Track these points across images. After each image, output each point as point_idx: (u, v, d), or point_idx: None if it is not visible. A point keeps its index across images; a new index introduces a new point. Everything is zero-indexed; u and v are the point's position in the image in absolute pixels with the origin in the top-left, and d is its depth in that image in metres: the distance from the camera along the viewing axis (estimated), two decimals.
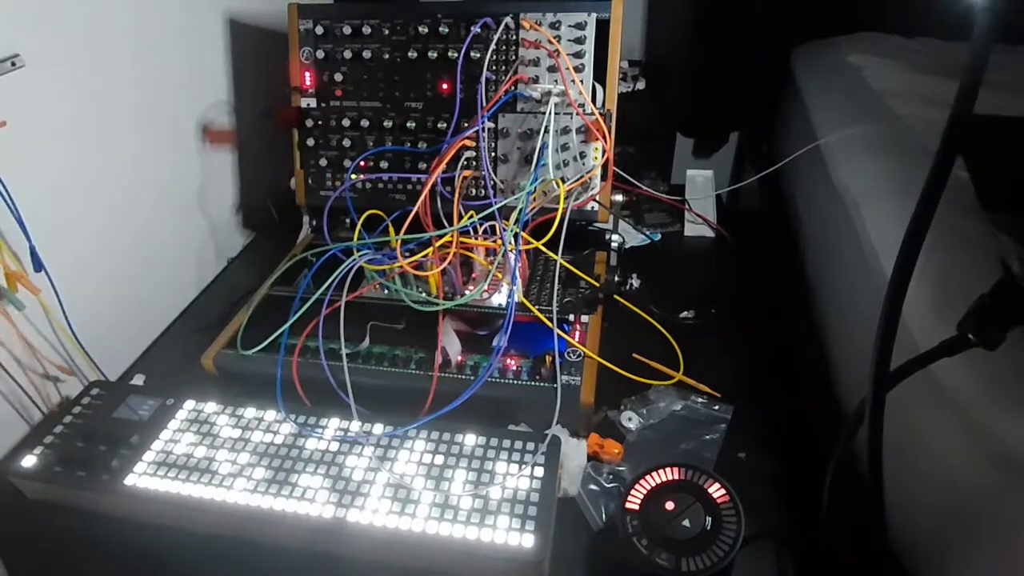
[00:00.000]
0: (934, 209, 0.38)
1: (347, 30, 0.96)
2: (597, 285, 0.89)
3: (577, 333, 0.84)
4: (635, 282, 0.95)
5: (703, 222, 1.20)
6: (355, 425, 0.73)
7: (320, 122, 1.01)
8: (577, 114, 0.91)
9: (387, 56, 0.96)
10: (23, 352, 0.79)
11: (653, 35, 1.54)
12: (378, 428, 0.72)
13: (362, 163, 1.00)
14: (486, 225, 0.85)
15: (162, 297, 1.04)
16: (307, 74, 1.00)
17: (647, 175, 1.28)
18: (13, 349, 0.77)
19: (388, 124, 0.98)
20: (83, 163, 0.86)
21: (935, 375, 0.56)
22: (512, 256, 0.82)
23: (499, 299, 0.85)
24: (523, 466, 0.68)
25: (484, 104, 0.91)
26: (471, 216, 0.83)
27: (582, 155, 0.93)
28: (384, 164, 0.99)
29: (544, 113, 0.89)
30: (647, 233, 1.16)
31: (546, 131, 0.89)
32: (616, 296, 0.92)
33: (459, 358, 0.82)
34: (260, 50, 1.15)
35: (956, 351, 0.44)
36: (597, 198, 0.95)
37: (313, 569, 0.66)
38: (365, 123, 0.99)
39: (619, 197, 0.99)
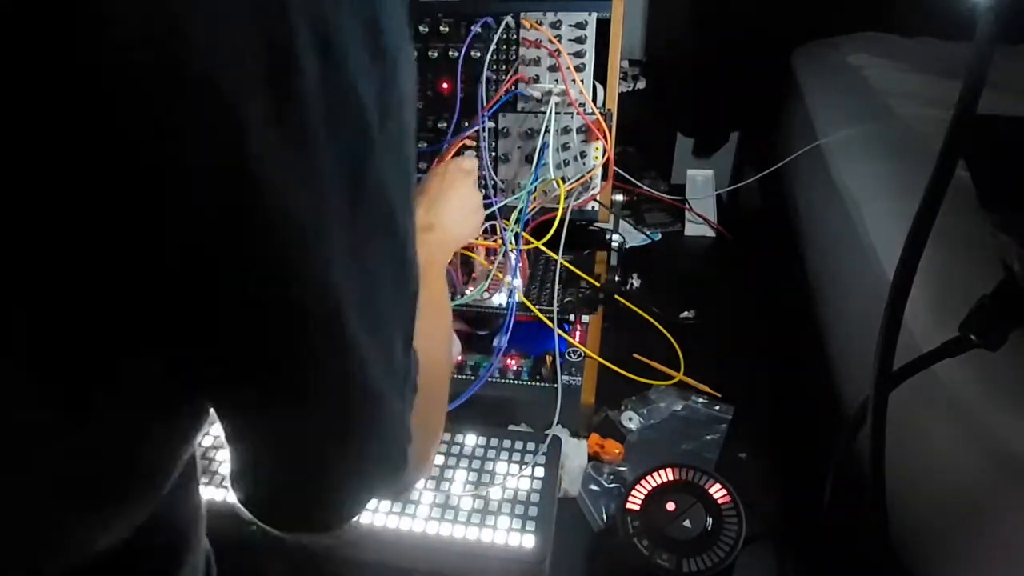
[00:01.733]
0: (937, 210, 0.38)
1: None
2: (597, 285, 0.89)
3: (577, 333, 0.84)
4: (635, 282, 0.95)
5: (703, 222, 1.20)
6: None
7: None
8: (577, 114, 0.91)
9: None
10: None
11: (653, 35, 1.54)
12: None
13: None
14: (486, 225, 0.85)
15: None
16: None
17: (647, 175, 1.27)
18: None
19: None
20: None
21: (937, 376, 0.56)
22: (513, 256, 0.82)
23: (499, 299, 0.85)
24: (523, 466, 0.68)
25: (485, 103, 0.91)
26: None
27: (582, 155, 0.93)
28: None
29: (544, 113, 0.89)
30: (647, 233, 1.16)
31: (546, 131, 0.89)
32: (616, 296, 0.92)
33: (459, 358, 0.82)
34: None
35: (958, 352, 0.44)
36: (597, 198, 0.95)
37: (312, 570, 0.66)
38: None
39: (619, 197, 0.99)
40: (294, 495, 0.34)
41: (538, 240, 0.83)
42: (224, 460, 0.70)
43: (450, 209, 0.68)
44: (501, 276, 0.86)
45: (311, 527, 0.36)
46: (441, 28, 0.93)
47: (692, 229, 1.20)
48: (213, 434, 0.73)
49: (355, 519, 0.36)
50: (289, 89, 0.24)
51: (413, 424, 0.36)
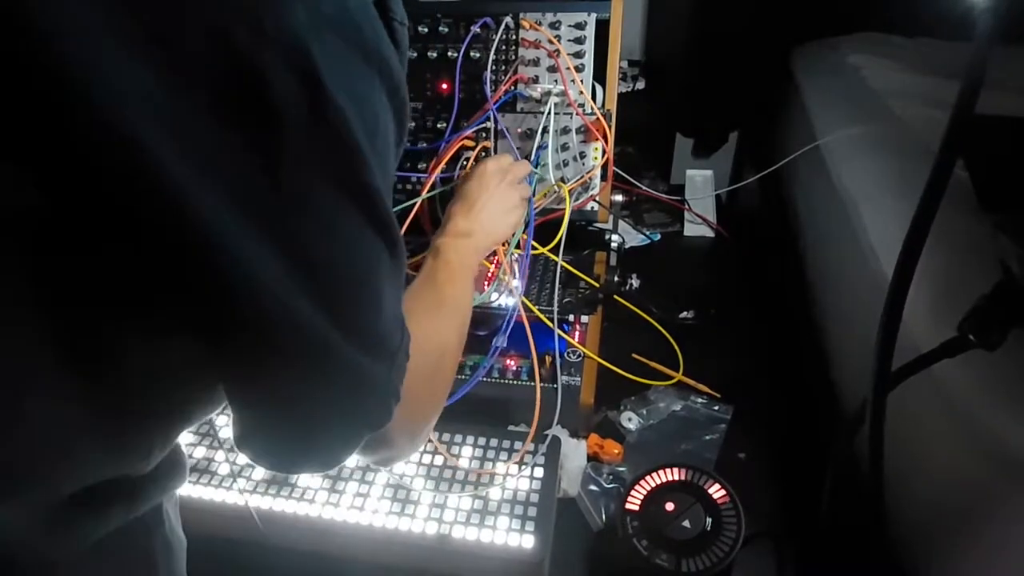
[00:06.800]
0: (935, 210, 0.38)
1: None
2: (597, 285, 0.89)
3: (577, 333, 0.84)
4: (635, 282, 0.95)
5: (703, 222, 1.20)
6: None
7: None
8: (577, 114, 0.91)
9: None
10: None
11: (653, 35, 1.54)
12: None
13: None
14: None
15: None
16: None
17: (647, 175, 1.28)
18: None
19: None
20: None
21: (935, 376, 0.56)
22: (515, 259, 0.82)
23: (499, 299, 0.85)
24: (523, 467, 0.68)
25: (490, 98, 0.90)
26: None
27: (582, 155, 0.93)
28: None
29: (544, 113, 0.89)
30: (647, 233, 1.16)
31: (546, 131, 0.89)
32: (616, 296, 0.92)
33: None
34: None
35: (957, 352, 0.44)
36: (597, 198, 0.95)
37: (313, 570, 0.66)
38: None
39: (619, 197, 0.99)
40: (287, 446, 0.38)
41: (541, 245, 0.83)
42: (223, 460, 0.70)
43: (489, 213, 0.71)
44: (506, 280, 0.86)
45: (310, 468, 0.40)
46: (440, 28, 0.93)
47: (691, 229, 1.20)
48: (212, 434, 0.73)
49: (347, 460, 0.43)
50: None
51: (403, 389, 0.39)
